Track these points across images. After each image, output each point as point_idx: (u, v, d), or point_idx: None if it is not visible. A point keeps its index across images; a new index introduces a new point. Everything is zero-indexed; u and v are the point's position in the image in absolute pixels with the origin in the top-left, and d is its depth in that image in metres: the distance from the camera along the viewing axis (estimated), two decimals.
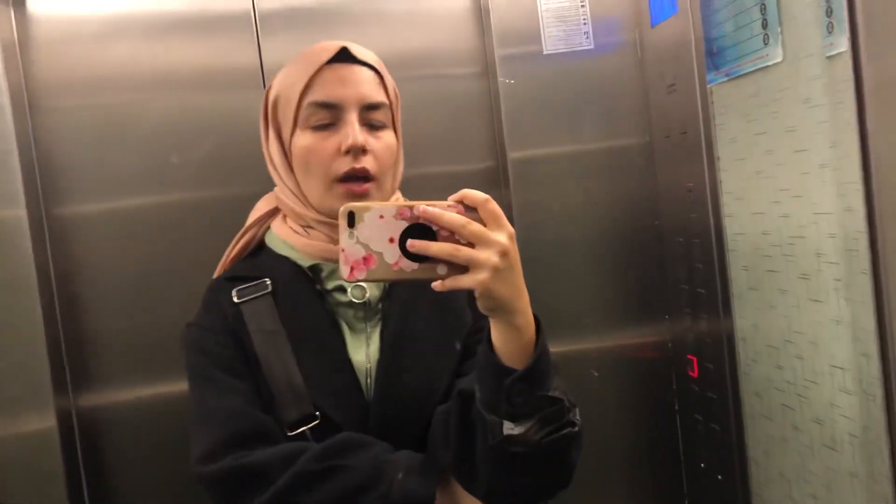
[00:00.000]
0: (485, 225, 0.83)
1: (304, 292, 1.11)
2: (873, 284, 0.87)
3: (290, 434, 1.03)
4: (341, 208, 0.85)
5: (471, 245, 0.83)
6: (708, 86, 1.32)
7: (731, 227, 1.31)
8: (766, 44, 1.12)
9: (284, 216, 1.17)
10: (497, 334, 0.88)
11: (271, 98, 1.14)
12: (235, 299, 1.10)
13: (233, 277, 1.14)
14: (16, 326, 1.49)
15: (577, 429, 0.89)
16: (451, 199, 0.85)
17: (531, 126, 1.58)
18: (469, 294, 0.89)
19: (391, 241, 0.85)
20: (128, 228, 1.59)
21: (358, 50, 1.10)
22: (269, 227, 1.19)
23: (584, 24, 1.57)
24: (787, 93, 1.10)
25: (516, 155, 1.59)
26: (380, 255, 0.85)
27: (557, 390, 0.88)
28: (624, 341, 1.64)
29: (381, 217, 0.85)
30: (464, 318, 1.11)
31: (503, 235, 0.83)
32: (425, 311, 1.10)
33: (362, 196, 1.08)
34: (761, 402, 1.29)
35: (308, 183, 1.11)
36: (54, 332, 1.53)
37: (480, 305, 0.86)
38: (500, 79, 1.57)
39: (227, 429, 1.01)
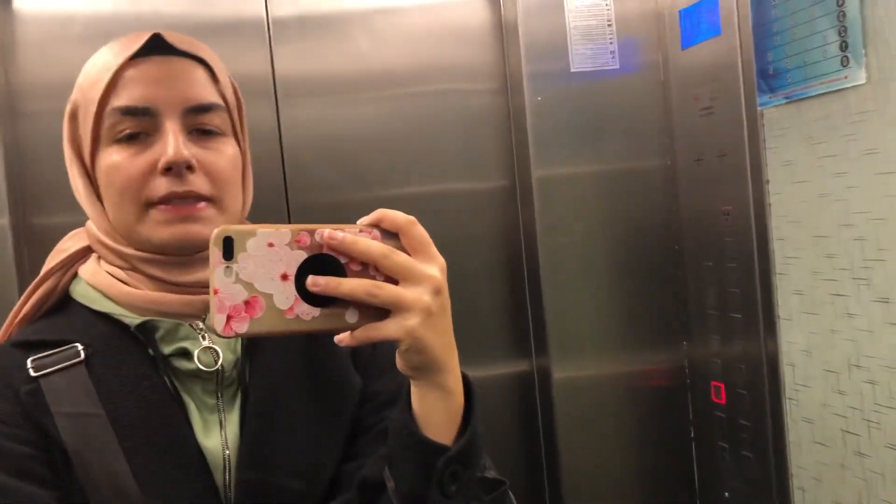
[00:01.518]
0: (410, 255, 0.66)
1: (132, 360, 0.82)
2: None
3: None
4: (215, 232, 0.61)
5: (393, 281, 0.65)
6: (759, 108, 1.30)
7: (783, 250, 1.30)
8: (844, 66, 1.12)
9: (99, 258, 0.89)
10: (420, 401, 0.69)
11: (68, 109, 0.88)
12: (32, 372, 0.80)
13: (26, 343, 0.83)
14: None
15: None
16: (365, 221, 0.67)
17: (556, 144, 1.54)
18: (353, 350, 0.74)
19: (284, 277, 0.63)
20: None
21: (177, 38, 0.85)
22: (75, 275, 0.90)
23: (611, 43, 1.54)
24: (870, 115, 1.09)
25: (540, 173, 1.54)
26: (269, 297, 0.62)
27: (492, 469, 0.75)
28: (638, 366, 1.61)
29: (271, 245, 0.62)
30: (350, 382, 0.88)
31: (435, 268, 0.66)
32: (299, 378, 0.86)
33: (194, 221, 0.82)
34: (813, 428, 1.27)
35: (116, 212, 0.84)
36: None
37: (403, 362, 0.68)
38: (527, 97, 1.52)
39: None
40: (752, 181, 1.34)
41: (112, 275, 0.85)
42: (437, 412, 0.69)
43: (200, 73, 0.86)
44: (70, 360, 0.81)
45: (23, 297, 0.89)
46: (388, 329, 0.64)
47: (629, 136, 1.57)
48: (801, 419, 1.30)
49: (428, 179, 1.59)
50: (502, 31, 1.59)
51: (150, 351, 0.83)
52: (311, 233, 0.64)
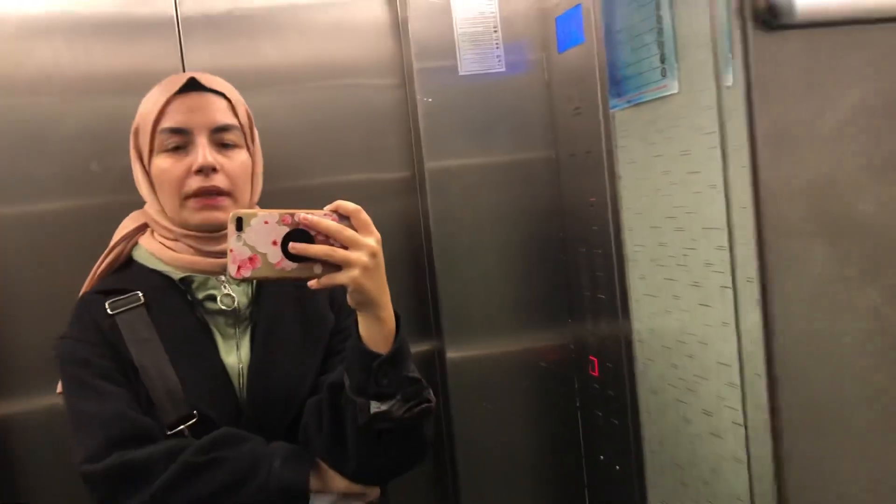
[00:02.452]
0: (356, 231, 0.99)
1: (176, 303, 1.20)
2: (760, 290, 1.01)
3: (169, 434, 1.12)
4: (231, 214, 0.98)
5: (344, 247, 0.98)
6: (611, 110, 1.45)
7: (632, 239, 1.44)
8: (664, 76, 1.26)
9: (152, 231, 1.27)
10: (364, 326, 1.03)
11: (133, 127, 1.26)
12: (109, 311, 1.18)
13: (104, 291, 1.21)
14: None
15: (432, 404, 1.07)
16: (327, 208, 1.00)
17: (447, 139, 1.68)
18: (331, 298, 1.12)
19: (274, 243, 0.98)
20: (44, 233, 1.59)
21: (206, 79, 1.23)
22: (136, 243, 1.28)
23: (497, 47, 1.68)
24: (682, 121, 1.23)
25: (432, 165, 1.68)
26: (264, 255, 0.98)
27: (415, 373, 1.06)
28: (530, 343, 1.76)
29: (266, 223, 0.98)
30: (326, 321, 1.24)
31: (372, 239, 1.00)
32: (291, 317, 1.23)
33: (217, 209, 1.20)
34: (657, 398, 1.42)
35: (167, 200, 1.22)
36: None
37: (351, 300, 1.01)
38: (418, 96, 1.66)
39: (109, 431, 1.09)
40: (609, 176, 1.49)
41: (162, 244, 1.23)
42: (374, 333, 1.03)
43: (222, 103, 1.23)
44: (134, 303, 1.18)
45: (99, 260, 1.28)
46: (339, 278, 0.98)
47: (516, 132, 1.71)
48: (648, 390, 1.46)
49: (332, 171, 1.72)
50: (399, 28, 1.72)
51: (189, 296, 1.21)
52: (292, 215, 0.98)
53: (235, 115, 1.24)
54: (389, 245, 1.73)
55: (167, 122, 1.20)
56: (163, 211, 1.24)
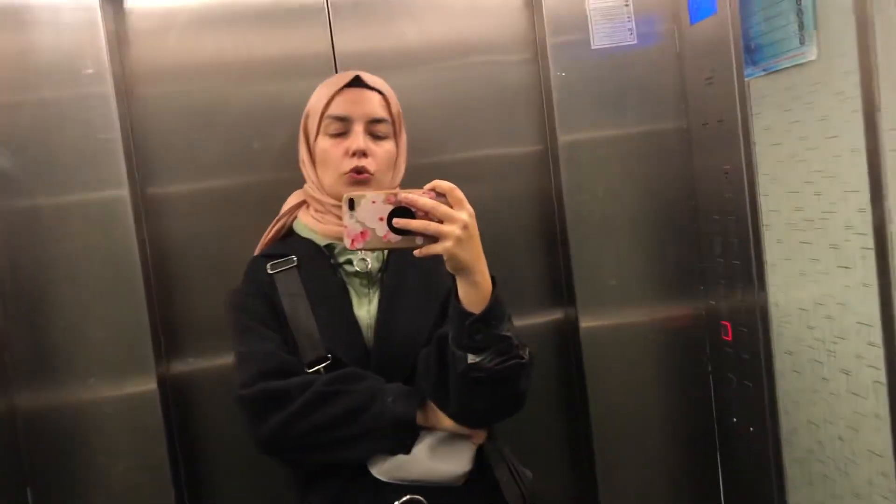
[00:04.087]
0: (451, 207, 1.12)
1: (322, 265, 1.40)
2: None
3: (308, 371, 1.31)
4: (344, 196, 1.13)
5: (440, 222, 1.10)
6: (746, 79, 1.48)
7: (767, 204, 1.48)
8: (802, 43, 1.29)
9: (308, 206, 1.47)
10: (461, 289, 1.16)
11: (304, 113, 1.47)
12: (270, 271, 1.39)
13: (268, 255, 1.44)
14: (120, 296, 1.66)
15: (524, 361, 1.18)
16: (426, 187, 1.13)
17: (579, 112, 1.74)
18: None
19: (381, 219, 1.11)
20: (214, 207, 1.75)
21: (368, 78, 1.44)
22: (296, 217, 1.49)
23: (629, 20, 1.73)
24: (820, 86, 1.26)
25: (566, 138, 1.75)
26: (372, 230, 1.12)
27: (508, 332, 1.17)
28: (662, 312, 1.80)
29: (374, 202, 1.12)
30: (445, 284, 1.32)
31: (465, 214, 1.12)
32: (414, 280, 1.38)
33: (363, 185, 1.38)
34: (792, 359, 1.46)
35: (324, 175, 1.42)
36: (152, 303, 1.70)
37: (448, 267, 1.14)
38: (551, 71, 1.73)
39: (261, 365, 1.29)
40: (743, 144, 1.52)
41: (314, 217, 1.44)
42: (470, 295, 1.16)
43: (378, 99, 1.43)
44: (289, 265, 1.40)
45: (268, 229, 1.50)
46: (436, 248, 1.11)
47: (647, 103, 1.75)
48: (783, 351, 1.49)
49: (468, 146, 1.81)
50: (531, 5, 1.79)
51: (331, 260, 1.40)
52: (396, 194, 1.11)
53: (388, 110, 1.44)
54: (523, 217, 1.87)
55: (333, 110, 1.41)
56: (320, 186, 1.44)
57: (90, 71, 1.62)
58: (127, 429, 1.68)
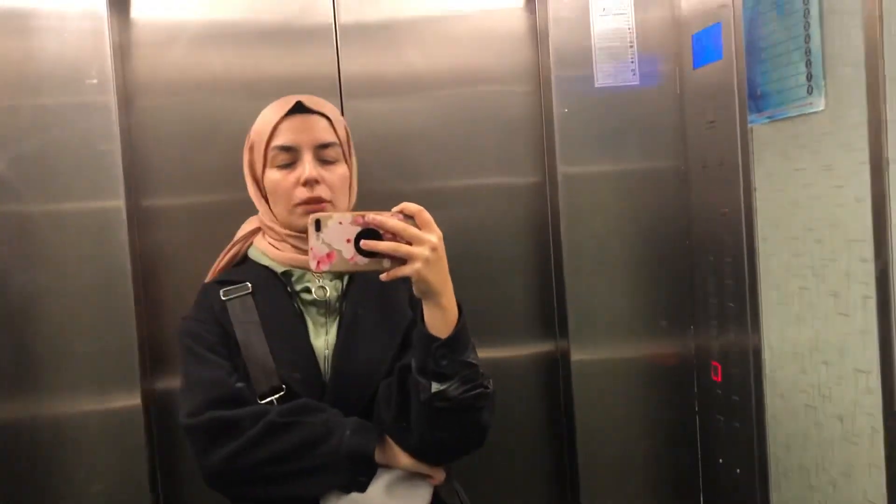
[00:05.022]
0: (420, 228, 1.12)
1: (278, 292, 1.36)
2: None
3: (260, 402, 1.27)
4: (310, 217, 1.12)
5: (408, 243, 1.10)
6: (749, 125, 1.50)
7: (765, 248, 1.50)
8: (809, 93, 1.31)
9: (263, 233, 1.43)
10: (427, 313, 1.16)
11: (247, 143, 1.43)
12: (223, 297, 1.35)
13: (221, 281, 1.40)
14: (110, 309, 1.64)
15: (489, 390, 1.18)
16: (394, 210, 1.13)
17: (580, 146, 1.76)
18: (411, 294, 1.18)
19: (348, 241, 1.11)
20: (209, 222, 1.73)
21: (310, 102, 1.38)
22: (251, 243, 1.45)
23: (632, 62, 1.75)
24: (827, 137, 1.29)
25: (566, 171, 1.76)
26: (339, 252, 1.11)
27: (473, 360, 1.17)
28: (651, 348, 1.82)
29: (340, 223, 1.12)
30: (405, 315, 1.34)
31: (433, 236, 1.12)
32: (374, 310, 1.35)
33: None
34: (784, 403, 1.47)
35: (276, 207, 1.38)
36: (141, 317, 1.67)
37: (415, 290, 1.14)
38: (554, 105, 1.75)
39: (209, 393, 1.25)
40: (743, 188, 1.54)
41: (270, 243, 1.40)
42: (436, 320, 1.15)
43: (323, 123, 1.38)
44: (243, 291, 1.35)
45: (221, 255, 1.46)
46: (404, 270, 1.10)
47: (647, 142, 1.77)
48: (776, 395, 1.51)
49: (468, 174, 1.82)
50: (537, 38, 1.81)
51: (288, 288, 1.36)
52: (363, 216, 1.11)
53: (335, 133, 1.39)
54: (518, 246, 1.87)
55: (278, 141, 1.36)
56: (273, 216, 1.40)
57: (94, 80, 1.61)
58: (108, 445, 1.65)
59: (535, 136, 1.83)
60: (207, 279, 1.45)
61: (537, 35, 1.81)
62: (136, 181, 1.70)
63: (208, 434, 1.22)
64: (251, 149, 1.41)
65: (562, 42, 1.75)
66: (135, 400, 1.64)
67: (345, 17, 1.76)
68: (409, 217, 1.12)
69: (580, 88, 1.75)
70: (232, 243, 1.46)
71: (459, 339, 1.15)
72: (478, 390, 1.16)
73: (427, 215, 1.13)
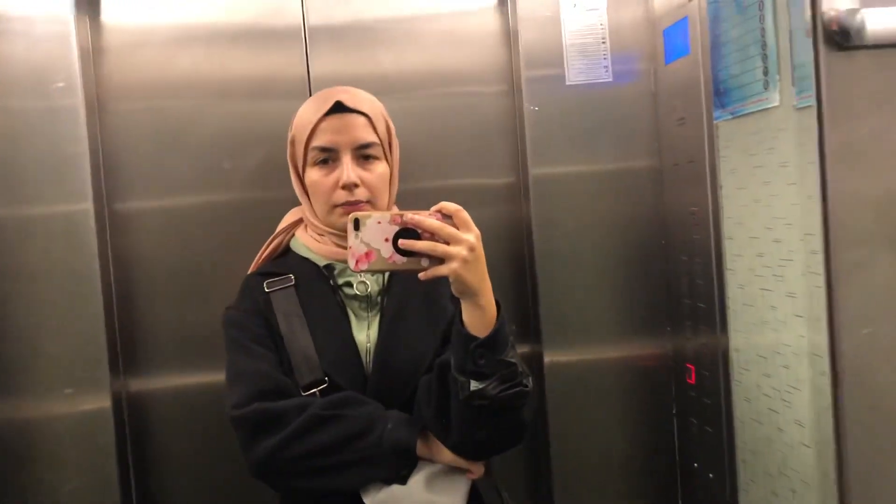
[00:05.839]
0: (457, 228, 1.11)
1: (320, 286, 1.37)
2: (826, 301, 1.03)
3: (303, 394, 1.29)
4: (350, 216, 1.12)
5: (446, 243, 1.10)
6: (714, 121, 1.47)
7: (731, 248, 1.46)
8: (766, 89, 1.28)
9: (306, 226, 1.44)
10: (466, 313, 1.15)
11: (290, 136, 1.43)
12: (266, 290, 1.37)
13: (264, 273, 1.42)
14: (78, 312, 1.64)
15: (527, 389, 1.16)
16: (433, 209, 1.12)
17: (552, 146, 1.73)
18: (451, 292, 1.15)
19: (386, 240, 1.11)
20: (181, 225, 1.74)
21: (350, 100, 1.37)
22: (293, 235, 1.46)
23: (605, 58, 1.72)
24: (783, 132, 1.25)
25: (537, 172, 1.74)
26: (377, 251, 1.11)
27: (513, 358, 1.15)
28: (628, 350, 1.78)
29: (379, 223, 1.11)
30: (446, 311, 1.34)
31: (471, 236, 1.11)
32: (416, 305, 1.36)
33: None
34: (750, 407, 1.43)
35: (316, 206, 1.39)
36: (111, 320, 1.68)
37: (453, 289, 1.13)
38: (525, 104, 1.72)
39: (255, 385, 1.27)
40: (710, 186, 1.51)
41: (312, 237, 1.42)
42: (475, 319, 1.14)
43: (362, 122, 1.37)
44: (286, 284, 1.37)
45: (264, 245, 1.48)
46: (442, 270, 1.10)
47: (620, 141, 1.74)
48: (742, 398, 1.47)
49: (442, 175, 1.79)
50: (510, 38, 1.78)
51: (331, 281, 1.38)
52: (402, 215, 1.11)
53: (375, 130, 1.38)
54: (493, 248, 1.80)
55: (317, 141, 1.36)
56: (314, 212, 1.41)
57: (61, 84, 1.62)
58: (78, 446, 1.65)
59: (510, 137, 1.80)
60: (250, 270, 1.48)
61: (509, 34, 1.78)
62: (107, 184, 1.71)
63: (254, 426, 1.24)
64: (293, 143, 1.42)
65: (532, 40, 1.72)
66: (105, 402, 1.65)
67: (314, 19, 1.75)
68: (447, 216, 1.12)
69: (551, 87, 1.73)
70: (273, 235, 1.49)
71: (498, 339, 1.14)
72: (516, 389, 1.15)
73: (465, 214, 1.12)
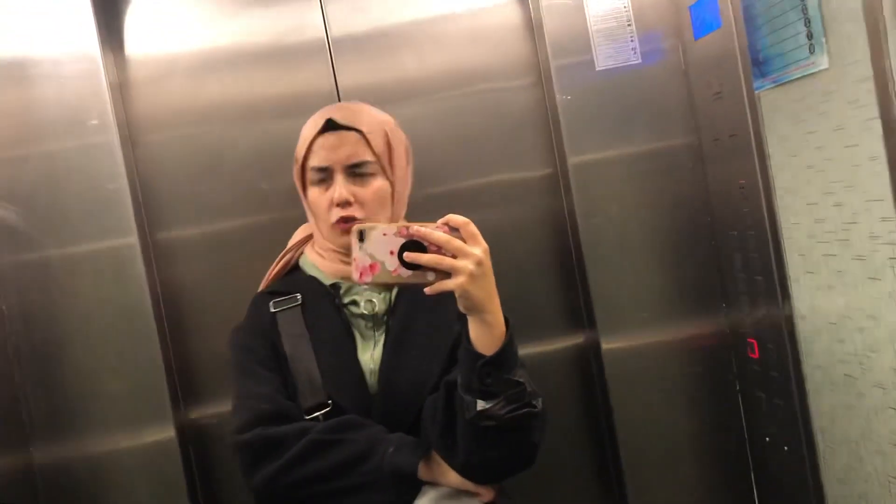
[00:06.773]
0: (465, 241, 1.07)
1: (326, 305, 1.36)
2: None
3: (307, 418, 1.27)
4: (354, 227, 1.09)
5: (453, 257, 1.06)
6: (756, 91, 1.45)
7: (786, 217, 1.44)
8: (811, 52, 1.26)
9: (313, 243, 1.43)
10: (473, 329, 1.11)
11: (294, 157, 1.41)
12: (272, 309, 1.36)
13: (272, 292, 1.41)
14: (135, 348, 1.64)
15: (537, 409, 1.11)
16: (439, 221, 1.08)
17: (587, 134, 1.72)
18: (458, 309, 1.12)
19: (391, 253, 1.07)
20: (223, 249, 1.75)
21: (343, 117, 1.35)
22: (302, 252, 1.45)
23: (632, 40, 1.71)
24: (833, 95, 1.23)
25: (575, 160, 1.72)
26: (382, 263, 1.08)
27: (521, 378, 1.11)
28: (684, 330, 1.77)
29: (384, 235, 1.08)
30: (452, 330, 1.28)
31: (478, 249, 1.07)
32: (421, 324, 1.33)
33: None
34: (823, 375, 1.42)
35: (317, 224, 1.39)
36: (166, 351, 1.68)
37: (460, 305, 1.09)
38: (556, 94, 1.71)
39: (258, 410, 1.26)
40: (758, 157, 1.49)
41: (319, 254, 1.41)
42: (482, 336, 1.10)
43: (355, 139, 1.34)
44: (293, 303, 1.36)
45: (273, 264, 1.47)
46: (448, 284, 1.06)
47: (655, 121, 1.72)
48: (814, 367, 1.45)
49: (476, 174, 1.79)
50: (533, 29, 1.77)
51: (336, 300, 1.36)
52: (408, 227, 1.07)
53: (370, 146, 1.35)
54: (535, 241, 1.84)
55: (313, 161, 1.36)
56: (318, 230, 1.41)
57: (94, 121, 1.62)
58: (146, 479, 1.66)
59: (543, 129, 1.80)
60: (261, 287, 1.47)
61: (532, 25, 1.77)
62: (147, 216, 1.71)
63: (254, 452, 1.23)
64: (295, 162, 1.41)
65: (557, 28, 1.71)
66: (169, 432, 1.65)
67: (336, 31, 1.75)
68: (454, 229, 1.08)
69: (581, 74, 1.71)
70: (284, 252, 1.48)
71: (506, 357, 1.10)
72: (525, 409, 1.10)
73: (473, 228, 1.08)
